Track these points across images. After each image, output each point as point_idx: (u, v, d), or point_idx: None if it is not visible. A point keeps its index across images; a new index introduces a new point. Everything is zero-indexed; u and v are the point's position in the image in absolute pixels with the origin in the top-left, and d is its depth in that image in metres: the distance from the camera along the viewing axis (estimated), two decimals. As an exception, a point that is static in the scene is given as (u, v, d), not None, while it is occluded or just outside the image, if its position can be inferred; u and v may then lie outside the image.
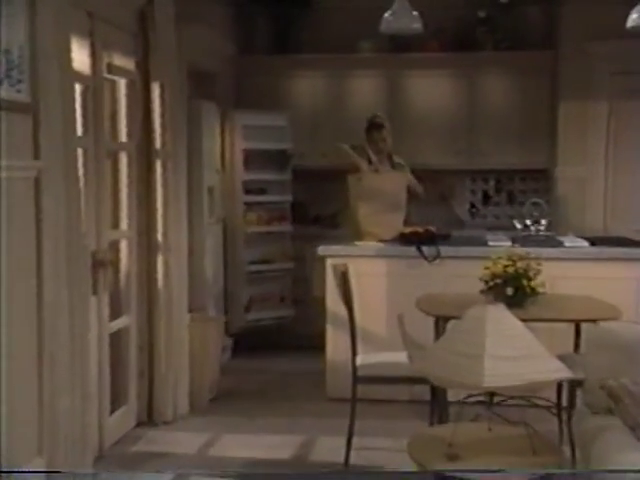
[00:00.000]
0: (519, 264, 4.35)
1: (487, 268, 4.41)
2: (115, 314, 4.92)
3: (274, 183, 7.33)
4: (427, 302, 4.66)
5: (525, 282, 4.29)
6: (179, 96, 5.34)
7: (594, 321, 3.99)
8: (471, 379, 2.58)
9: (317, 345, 6.22)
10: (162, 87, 5.08)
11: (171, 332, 5.24)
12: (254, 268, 7.18)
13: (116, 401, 4.97)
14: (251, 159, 7.12)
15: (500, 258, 4.43)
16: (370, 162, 6.25)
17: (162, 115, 5.06)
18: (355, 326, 4.57)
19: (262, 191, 7.26)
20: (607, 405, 3.10)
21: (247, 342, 7.05)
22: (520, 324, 2.81)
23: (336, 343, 5.74)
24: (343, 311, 4.94)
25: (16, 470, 3.48)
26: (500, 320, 2.76)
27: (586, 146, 7.23)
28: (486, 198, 8.06)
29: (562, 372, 2.74)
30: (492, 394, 2.87)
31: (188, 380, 5.45)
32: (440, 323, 4.56)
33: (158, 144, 5.07)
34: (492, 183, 8.06)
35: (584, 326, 4.40)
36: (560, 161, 7.36)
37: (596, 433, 2.99)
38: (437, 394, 4.55)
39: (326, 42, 7.71)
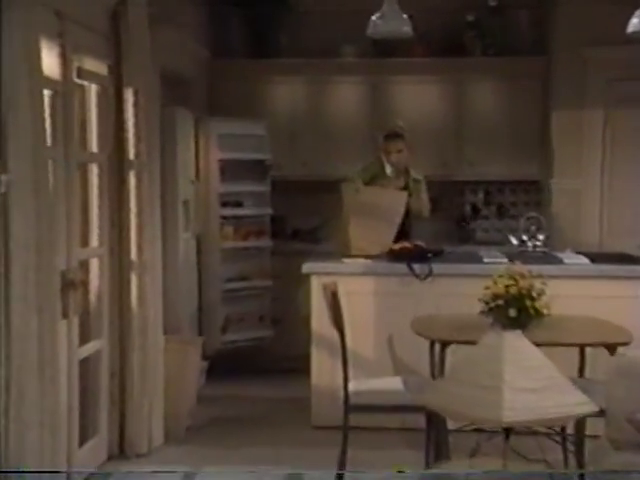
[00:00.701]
0: (522, 283, 4.24)
1: (487, 288, 4.32)
2: (85, 338, 4.76)
3: (252, 195, 7.26)
4: (423, 324, 4.59)
5: (529, 303, 4.21)
6: (153, 103, 5.20)
7: (607, 346, 3.89)
8: (490, 413, 2.45)
9: (298, 368, 6.16)
10: (136, 93, 4.95)
11: (146, 357, 5.10)
12: (231, 286, 7.07)
13: (85, 432, 4.81)
14: (227, 170, 7.02)
15: (501, 277, 4.34)
16: (383, 174, 6.36)
17: (136, 123, 4.94)
18: (347, 350, 4.46)
19: (239, 204, 7.19)
20: (635, 440, 2.99)
21: (223, 365, 6.89)
22: (539, 353, 2.70)
23: (321, 367, 5.66)
24: (329, 332, 4.88)
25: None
26: (518, 348, 2.64)
27: (581, 157, 7.22)
28: (475, 211, 8.02)
29: (586, 406, 2.63)
30: (509, 428, 2.75)
31: (163, 408, 5.31)
32: (436, 347, 4.48)
33: (132, 155, 4.95)
34: (481, 195, 8.03)
35: (595, 352, 4.30)
36: (555, 172, 7.35)
37: (623, 473, 2.87)
38: (435, 423, 4.42)
39: (306, 46, 7.69)
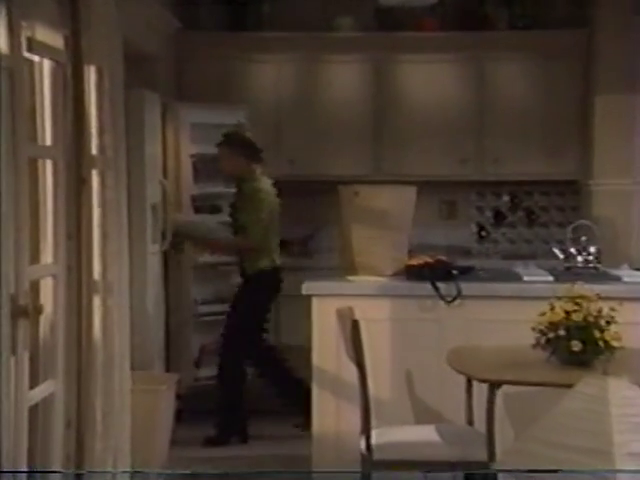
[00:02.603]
0: (585, 306, 4.17)
1: (543, 314, 4.22)
2: (35, 380, 4.49)
3: (231, 198, 6.99)
4: (462, 359, 4.51)
5: (597, 333, 4.09)
6: (118, 85, 4.98)
7: None
8: (599, 487, 2.22)
9: (291, 410, 6.30)
10: (99, 72, 4.74)
11: (109, 401, 4.87)
12: (206, 309, 7.05)
13: (35, 496, 4.55)
14: (201, 167, 7.03)
15: (559, 300, 4.24)
16: None
17: (99, 110, 4.69)
18: (368, 393, 4.37)
19: (216, 209, 7.17)
20: None
21: (197, 406, 6.78)
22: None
23: (325, 411, 5.51)
24: (334, 367, 5.14)
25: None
26: (628, 400, 2.41)
27: (631, 152, 7.18)
28: (498, 218, 8.05)
29: None
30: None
31: (130, 465, 5.07)
32: (475, 387, 4.47)
33: (94, 149, 4.71)
34: (506, 199, 8.08)
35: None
36: (597, 171, 7.33)
37: None
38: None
39: (294, 17, 7.73)
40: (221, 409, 6.47)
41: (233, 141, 6.47)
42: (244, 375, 6.55)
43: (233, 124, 6.91)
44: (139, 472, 4.98)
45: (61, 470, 4.02)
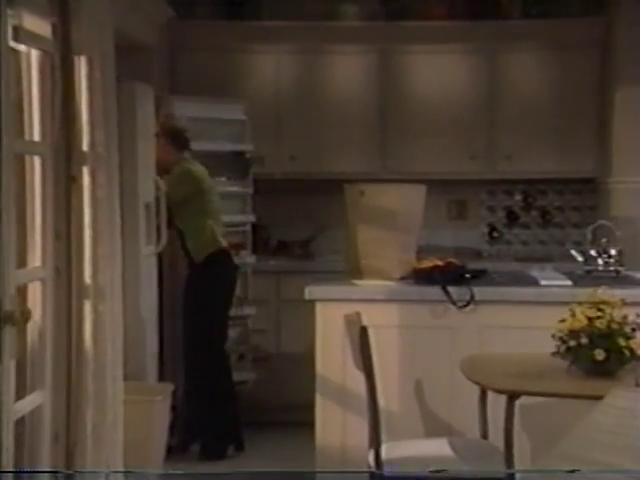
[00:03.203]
0: (609, 312, 4.15)
1: (563, 321, 4.21)
2: (22, 390, 4.47)
3: (229, 198, 7.19)
4: (477, 368, 4.49)
5: (622, 341, 4.08)
6: (110, 77, 4.96)
7: None
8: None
9: (290, 421, 6.35)
10: (90, 63, 4.71)
11: (101, 412, 4.84)
12: None
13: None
14: None
15: (581, 305, 4.23)
16: None
17: (90, 103, 4.66)
18: (378, 404, 4.35)
19: None
20: None
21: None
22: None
23: (330, 424, 5.50)
24: (339, 377, 5.17)
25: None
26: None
27: None
28: (511, 218, 8.06)
29: None
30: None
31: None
32: (489, 398, 4.47)
33: (85, 144, 4.68)
34: (519, 198, 8.08)
35: None
36: (616, 168, 7.31)
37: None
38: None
39: (295, 5, 7.74)
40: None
41: (163, 131, 6.50)
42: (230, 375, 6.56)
43: (220, 118, 7.04)
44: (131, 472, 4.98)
45: (62, 470, 4.10)
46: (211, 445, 6.48)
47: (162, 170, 6.49)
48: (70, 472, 4.44)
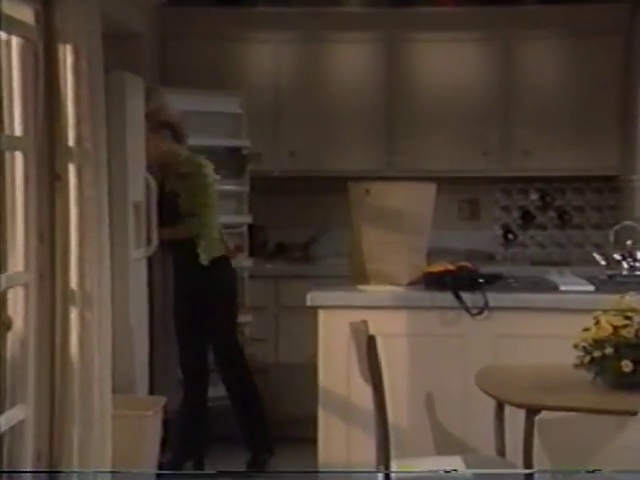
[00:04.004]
0: (637, 321, 4.13)
1: (587, 330, 4.18)
2: (2, 405, 4.52)
3: (224, 197, 7.14)
4: (493, 380, 4.46)
5: None
6: (98, 67, 4.97)
7: None
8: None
9: (289, 437, 6.36)
10: (75, 52, 4.71)
11: (88, 427, 4.81)
12: None
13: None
14: None
15: (606, 313, 4.20)
16: None
17: (76, 95, 4.65)
18: (387, 418, 4.31)
19: None
20: None
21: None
22: None
23: (334, 440, 5.49)
24: (344, 389, 5.17)
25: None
26: None
27: None
28: (526, 219, 8.08)
29: None
30: None
31: (111, 499, 5.05)
32: (506, 412, 4.43)
33: (71, 140, 4.68)
34: (535, 197, 8.10)
35: None
36: None
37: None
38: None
39: None
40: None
41: (153, 122, 6.49)
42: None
43: (214, 111, 7.08)
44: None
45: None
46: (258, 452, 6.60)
47: (159, 165, 6.54)
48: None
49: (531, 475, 4.09)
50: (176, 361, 6.90)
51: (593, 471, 2.60)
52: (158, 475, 5.57)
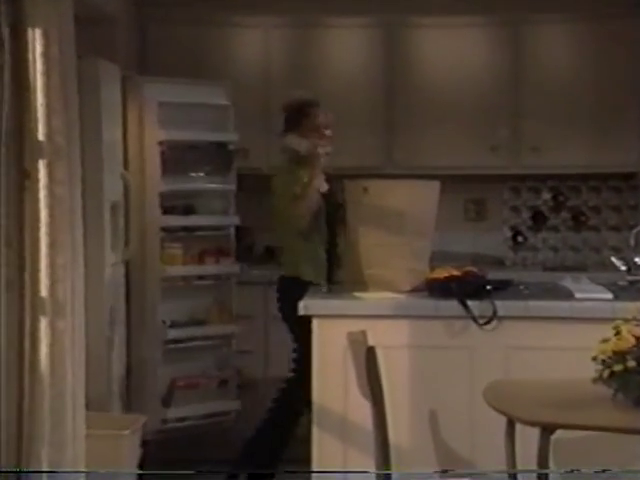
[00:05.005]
0: None
1: (606, 341, 4.16)
2: None
3: (209, 197, 7.23)
4: (504, 396, 4.46)
5: None
6: (70, 54, 4.99)
7: None
8: None
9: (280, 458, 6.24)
10: (45, 37, 4.72)
11: (59, 449, 4.82)
12: (177, 334, 7.03)
13: None
14: (172, 157, 6.98)
15: (627, 323, 4.19)
16: None
17: (47, 85, 4.68)
18: (388, 437, 4.30)
19: (190, 209, 7.15)
20: None
21: (165, 454, 6.70)
22: None
23: (329, 459, 5.47)
24: (339, 405, 5.20)
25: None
26: None
27: None
28: (538, 220, 8.10)
29: None
30: None
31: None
32: (517, 430, 4.37)
33: (41, 133, 4.70)
34: (547, 196, 8.12)
35: None
36: None
37: None
38: None
39: None
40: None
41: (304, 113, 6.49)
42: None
43: (198, 102, 7.04)
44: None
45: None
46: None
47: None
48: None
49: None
50: (155, 375, 6.90)
51: (603, 471, 2.59)
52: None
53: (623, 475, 4.13)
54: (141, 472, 5.63)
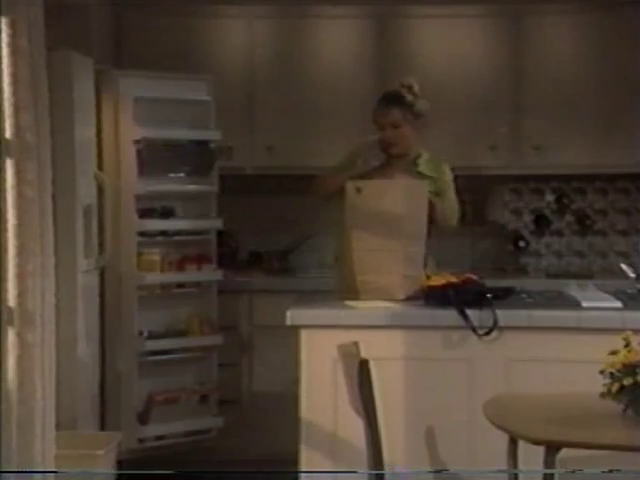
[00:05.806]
0: None
1: (614, 353, 4.16)
2: None
3: (189, 199, 7.29)
4: (505, 412, 4.44)
5: None
6: (39, 45, 4.97)
7: None
8: None
9: (267, 478, 6.28)
10: (13, 27, 4.70)
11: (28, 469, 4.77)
12: (155, 346, 7.06)
13: None
14: (149, 157, 7.01)
15: (637, 334, 4.22)
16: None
17: (14, 79, 4.67)
18: (381, 456, 4.28)
19: (169, 212, 7.21)
20: None
21: (142, 475, 6.50)
22: None
23: (316, 478, 5.52)
24: (329, 422, 5.21)
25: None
26: None
27: None
28: (540, 223, 8.11)
29: None
30: None
31: None
32: (520, 448, 4.38)
33: (8, 132, 4.69)
34: (550, 198, 8.14)
35: None
36: None
37: None
38: None
39: None
40: None
41: (403, 103, 6.38)
42: None
43: (177, 98, 7.05)
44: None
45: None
46: None
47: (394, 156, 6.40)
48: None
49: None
50: (132, 390, 6.89)
51: (611, 471, 2.60)
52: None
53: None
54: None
